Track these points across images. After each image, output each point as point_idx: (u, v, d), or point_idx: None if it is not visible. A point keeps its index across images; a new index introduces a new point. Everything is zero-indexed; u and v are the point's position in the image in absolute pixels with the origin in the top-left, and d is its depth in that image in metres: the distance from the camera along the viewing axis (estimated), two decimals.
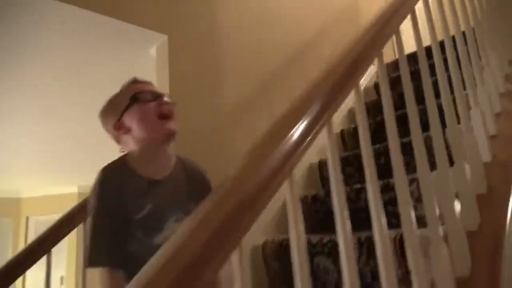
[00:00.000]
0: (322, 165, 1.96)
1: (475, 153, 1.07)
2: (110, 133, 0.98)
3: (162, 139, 0.93)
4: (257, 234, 1.63)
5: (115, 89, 1.00)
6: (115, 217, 0.84)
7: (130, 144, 0.94)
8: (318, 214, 1.63)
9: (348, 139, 2.15)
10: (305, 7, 2.46)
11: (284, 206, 1.63)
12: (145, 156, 0.92)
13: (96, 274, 0.82)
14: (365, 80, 2.82)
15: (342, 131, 2.21)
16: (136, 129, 0.92)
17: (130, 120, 0.93)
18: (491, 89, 1.33)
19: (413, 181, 1.37)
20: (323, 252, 1.32)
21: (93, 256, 0.82)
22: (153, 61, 1.69)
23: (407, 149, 1.65)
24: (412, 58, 2.67)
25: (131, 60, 1.82)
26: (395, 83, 2.45)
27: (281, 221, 1.71)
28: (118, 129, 0.94)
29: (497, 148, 1.18)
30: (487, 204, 0.97)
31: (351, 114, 2.46)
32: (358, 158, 1.81)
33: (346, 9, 2.84)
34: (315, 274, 1.30)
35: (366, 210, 1.47)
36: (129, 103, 0.94)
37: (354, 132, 2.12)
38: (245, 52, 2.00)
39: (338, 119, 2.41)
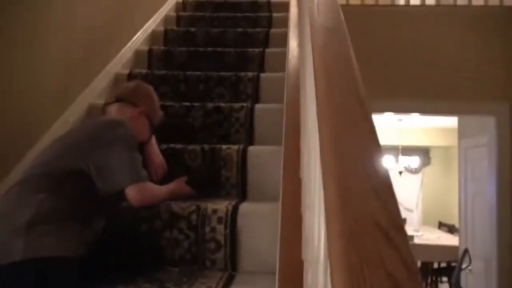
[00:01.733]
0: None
1: None
2: None
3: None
4: None
5: None
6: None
7: None
8: None
9: (156, 60, 2.17)
10: None
11: None
12: None
13: None
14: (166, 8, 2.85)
15: (149, 50, 2.20)
16: None
17: (142, 121, 1.34)
18: None
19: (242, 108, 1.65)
20: None
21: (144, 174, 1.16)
22: None
23: (223, 82, 1.90)
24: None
25: None
26: (198, 20, 2.62)
27: None
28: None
29: None
30: None
31: (155, 35, 2.46)
32: (174, 78, 1.91)
33: None
34: None
35: (191, 125, 1.64)
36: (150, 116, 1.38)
37: (166, 54, 2.16)
38: None
39: (140, 38, 2.37)
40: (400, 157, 6.86)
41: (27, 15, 1.40)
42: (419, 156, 7.10)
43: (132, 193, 1.12)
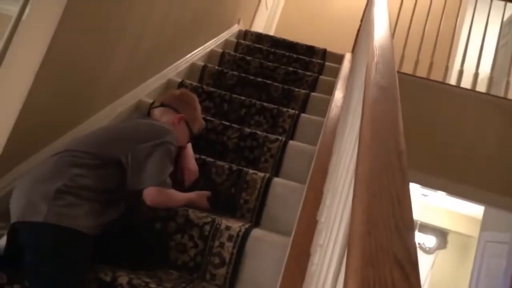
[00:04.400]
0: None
1: None
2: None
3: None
4: None
5: None
6: None
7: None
8: None
9: (207, 76, 2.30)
10: None
11: None
12: None
13: None
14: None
15: (204, 66, 2.33)
16: None
17: (182, 128, 1.42)
18: None
19: (276, 140, 1.72)
20: None
21: (168, 181, 1.20)
22: None
23: (264, 112, 1.98)
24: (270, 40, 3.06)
25: None
26: (255, 51, 2.76)
27: None
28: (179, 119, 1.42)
29: None
30: None
31: (212, 54, 2.61)
32: (220, 97, 2.02)
33: None
34: None
35: (224, 144, 1.71)
36: (190, 124, 1.45)
37: (218, 73, 2.29)
38: None
39: (198, 54, 2.52)
40: (417, 232, 6.67)
41: (113, 21, 1.56)
42: (436, 237, 6.86)
43: (149, 192, 1.17)
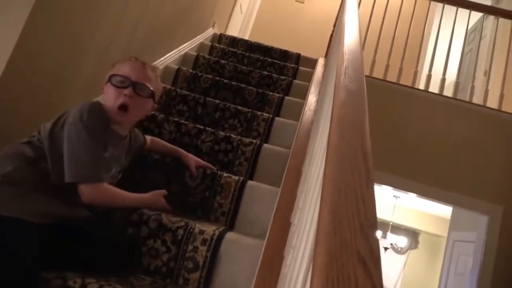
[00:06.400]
0: None
1: None
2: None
3: (114, 120, 1.21)
4: None
5: None
6: (101, 145, 1.14)
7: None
8: None
9: (181, 80, 2.28)
10: None
11: None
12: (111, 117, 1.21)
13: None
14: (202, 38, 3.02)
15: (178, 69, 2.32)
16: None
17: (106, 89, 1.23)
18: None
19: (250, 144, 1.73)
20: None
21: (95, 173, 1.10)
22: None
23: (239, 115, 1.98)
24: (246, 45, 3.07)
25: None
26: (229, 54, 2.76)
27: None
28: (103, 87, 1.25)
29: None
30: None
31: (187, 57, 2.59)
32: (194, 100, 2.00)
33: None
34: None
35: (198, 147, 1.70)
36: (109, 78, 1.22)
37: (192, 76, 2.28)
38: None
39: (173, 57, 2.50)
40: (389, 233, 6.82)
41: (87, 20, 1.52)
42: (408, 238, 7.05)
43: (85, 190, 1.09)
